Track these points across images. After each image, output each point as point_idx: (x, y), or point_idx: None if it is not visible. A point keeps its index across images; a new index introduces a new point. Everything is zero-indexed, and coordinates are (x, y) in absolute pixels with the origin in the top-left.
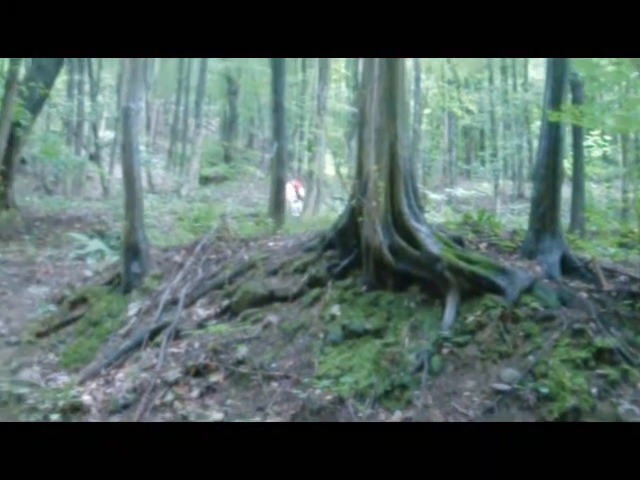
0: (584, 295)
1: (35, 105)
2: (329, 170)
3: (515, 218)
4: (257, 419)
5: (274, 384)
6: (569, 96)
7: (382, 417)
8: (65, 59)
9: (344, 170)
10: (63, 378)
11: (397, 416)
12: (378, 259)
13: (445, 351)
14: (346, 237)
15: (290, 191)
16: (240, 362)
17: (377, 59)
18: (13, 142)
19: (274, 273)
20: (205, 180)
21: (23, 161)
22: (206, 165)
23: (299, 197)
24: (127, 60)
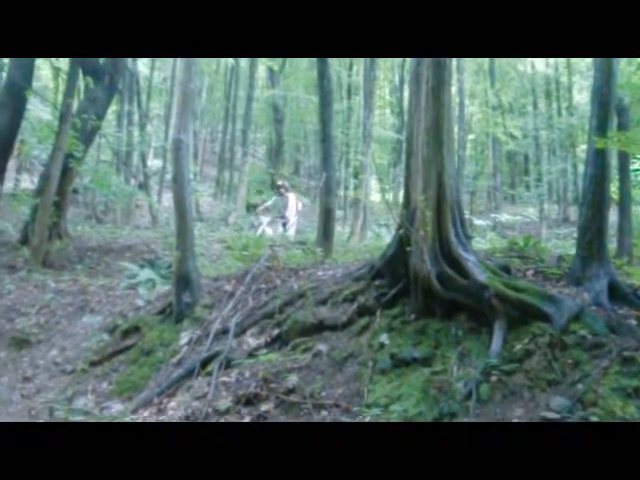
0: (633, 322)
1: (87, 137)
2: (375, 197)
3: (561, 243)
4: None
5: (324, 412)
6: (615, 120)
7: None
8: (116, 91)
9: (389, 196)
10: (116, 406)
11: None
12: (426, 288)
13: (493, 379)
14: (394, 266)
15: (293, 205)
16: (290, 391)
17: (424, 89)
18: (66, 173)
19: (323, 302)
20: (252, 207)
21: (75, 191)
22: (253, 193)
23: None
24: (177, 92)
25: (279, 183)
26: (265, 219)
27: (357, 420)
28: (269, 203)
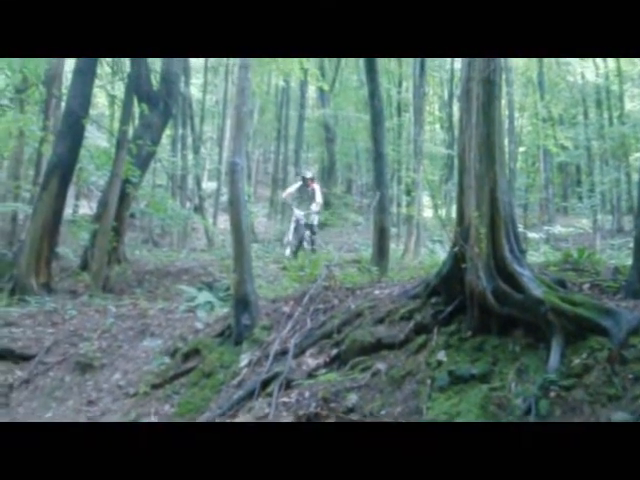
0: None
1: (143, 162)
2: (427, 213)
3: (616, 253)
4: None
5: None
6: None
7: None
8: (170, 116)
9: (442, 212)
10: None
11: None
12: (482, 304)
13: (552, 395)
14: (450, 283)
15: (319, 196)
16: (350, 410)
17: (474, 106)
18: (123, 198)
19: (381, 321)
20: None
21: (132, 215)
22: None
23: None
24: (231, 115)
25: (309, 175)
26: (292, 225)
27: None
28: (293, 189)
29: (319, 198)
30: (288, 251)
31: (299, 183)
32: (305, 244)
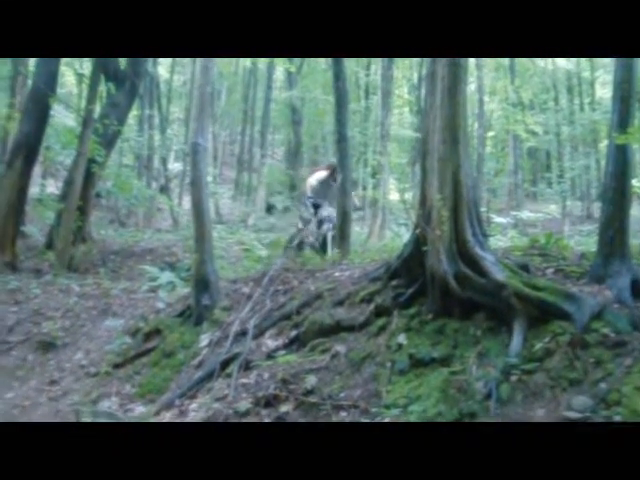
0: None
1: (109, 141)
2: (393, 196)
3: (584, 240)
4: None
5: (343, 414)
6: (638, 115)
7: None
8: (137, 96)
9: (408, 196)
10: (140, 409)
11: None
12: (443, 287)
13: (513, 379)
14: (411, 266)
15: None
16: (309, 392)
17: (439, 88)
18: (89, 178)
19: (341, 303)
20: (271, 209)
21: (98, 195)
22: (272, 194)
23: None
24: (195, 96)
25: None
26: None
27: (376, 421)
28: (316, 180)
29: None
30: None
31: (323, 172)
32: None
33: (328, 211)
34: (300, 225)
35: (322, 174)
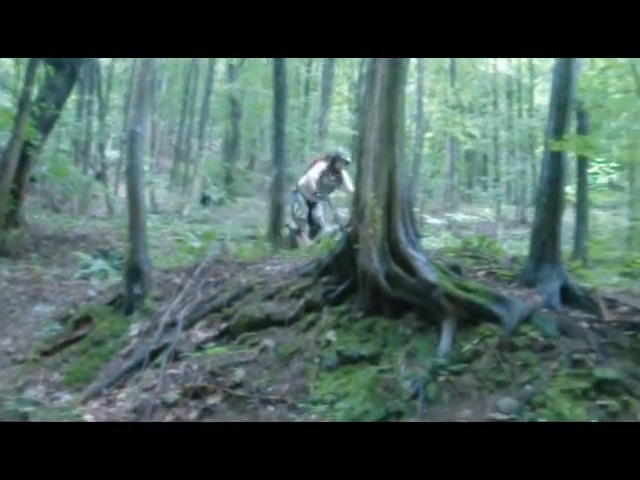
0: (584, 325)
1: (46, 125)
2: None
3: (517, 244)
4: None
5: (270, 408)
6: (575, 123)
7: None
8: (76, 80)
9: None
10: (66, 397)
11: None
12: (374, 286)
13: (441, 379)
14: (342, 263)
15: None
16: (237, 385)
17: (378, 87)
18: (24, 161)
19: (271, 297)
20: (206, 200)
21: (33, 179)
22: (208, 186)
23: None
24: (135, 83)
25: (348, 159)
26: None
27: (303, 417)
28: (317, 174)
29: (351, 187)
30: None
31: (323, 165)
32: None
33: (334, 212)
34: (293, 225)
35: (321, 167)
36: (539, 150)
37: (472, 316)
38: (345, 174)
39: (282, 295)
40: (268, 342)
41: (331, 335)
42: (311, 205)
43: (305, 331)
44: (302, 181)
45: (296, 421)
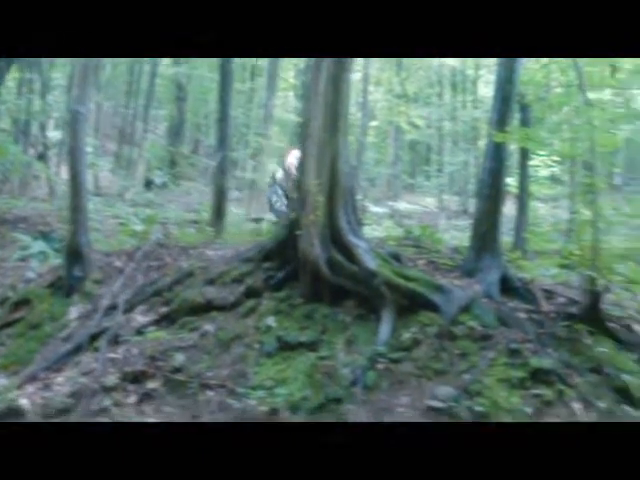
0: (522, 315)
1: None
2: None
3: (459, 234)
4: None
5: (210, 393)
6: (518, 116)
7: None
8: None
9: None
10: (1, 381)
11: None
12: (315, 272)
13: (380, 367)
14: (284, 249)
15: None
16: (177, 369)
17: (324, 75)
18: None
19: (212, 282)
20: (150, 184)
21: None
22: (152, 169)
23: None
24: (78, 62)
25: None
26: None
27: (242, 402)
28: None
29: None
30: None
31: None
32: None
33: None
34: (272, 217)
35: (297, 154)
36: (482, 142)
37: (412, 304)
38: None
39: (223, 280)
40: (208, 327)
41: (271, 321)
42: (289, 197)
43: (245, 317)
44: (279, 174)
45: (287, 421)
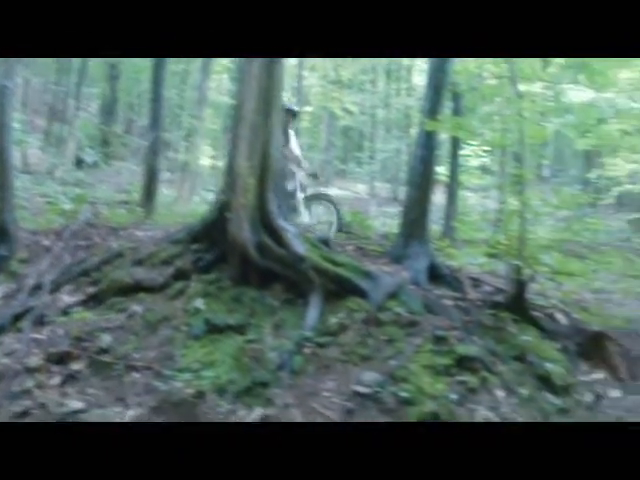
0: (449, 303)
1: None
2: (204, 162)
3: (389, 221)
4: (118, 409)
5: (136, 375)
6: (450, 106)
7: (242, 414)
8: None
9: (220, 162)
10: None
11: (257, 413)
12: (243, 256)
13: (307, 351)
14: (213, 232)
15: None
16: (103, 351)
17: (258, 59)
18: None
19: (141, 263)
20: (81, 163)
21: None
22: (83, 148)
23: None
24: None
25: (296, 109)
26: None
27: (168, 384)
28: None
29: (298, 150)
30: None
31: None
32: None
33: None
34: None
35: None
36: (415, 130)
37: (340, 290)
38: (292, 134)
39: (152, 261)
40: (136, 308)
41: (199, 303)
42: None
43: (174, 298)
44: None
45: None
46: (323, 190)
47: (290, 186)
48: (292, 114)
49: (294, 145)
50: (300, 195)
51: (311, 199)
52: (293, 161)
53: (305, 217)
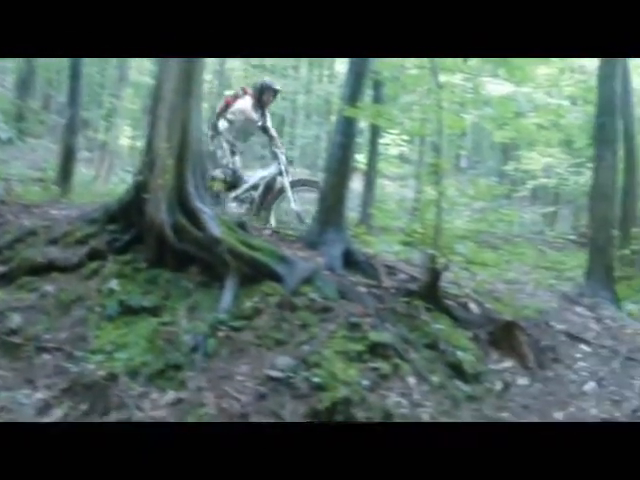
0: (363, 290)
1: None
2: (124, 142)
3: (307, 207)
4: (26, 391)
5: (46, 356)
6: (371, 94)
7: (154, 396)
8: None
9: (139, 143)
10: None
11: (170, 396)
12: (160, 237)
13: (221, 334)
14: (130, 212)
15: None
16: (13, 331)
17: None
18: None
19: (55, 242)
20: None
21: None
22: None
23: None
24: None
25: (277, 87)
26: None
27: (80, 366)
28: (242, 113)
29: (273, 131)
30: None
31: (248, 100)
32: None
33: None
34: (219, 174)
35: (248, 101)
36: (335, 116)
37: (255, 274)
38: (269, 114)
39: (67, 241)
40: (49, 288)
41: (114, 284)
42: (233, 153)
43: (88, 279)
44: (222, 123)
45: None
46: (309, 176)
47: (274, 169)
48: (273, 92)
49: (270, 126)
50: (286, 179)
51: (296, 184)
52: (275, 142)
53: (292, 203)
